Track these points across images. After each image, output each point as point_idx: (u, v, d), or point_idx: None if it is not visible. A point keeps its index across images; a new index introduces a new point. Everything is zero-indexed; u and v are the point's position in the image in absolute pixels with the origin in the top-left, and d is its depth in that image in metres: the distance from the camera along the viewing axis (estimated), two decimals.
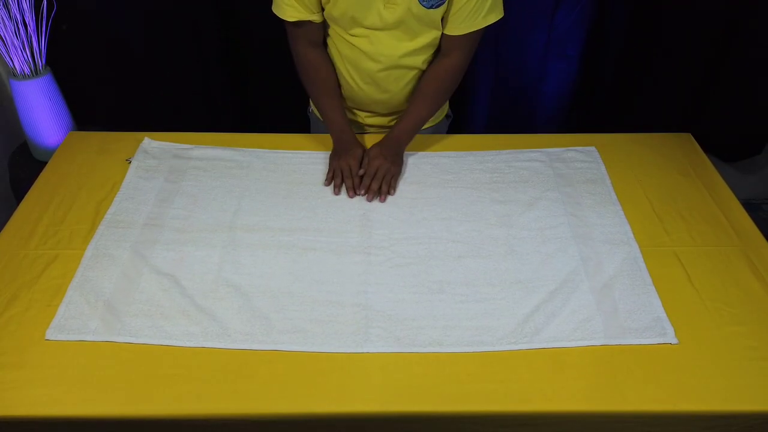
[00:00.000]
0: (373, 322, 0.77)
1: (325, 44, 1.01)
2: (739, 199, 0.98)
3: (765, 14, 1.18)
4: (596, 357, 0.74)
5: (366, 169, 0.98)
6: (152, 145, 1.08)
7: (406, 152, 1.07)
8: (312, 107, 1.18)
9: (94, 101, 1.35)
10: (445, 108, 1.15)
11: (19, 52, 1.14)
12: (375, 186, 0.96)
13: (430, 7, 0.91)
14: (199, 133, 1.11)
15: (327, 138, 1.11)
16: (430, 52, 1.00)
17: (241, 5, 1.25)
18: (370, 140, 1.08)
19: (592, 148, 1.09)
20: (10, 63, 1.16)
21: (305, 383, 0.71)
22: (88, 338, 0.75)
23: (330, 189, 0.99)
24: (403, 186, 1.00)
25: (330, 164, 0.99)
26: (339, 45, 1.00)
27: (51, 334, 0.75)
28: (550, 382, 0.71)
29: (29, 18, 1.12)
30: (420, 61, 0.99)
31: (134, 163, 1.03)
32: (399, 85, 1.02)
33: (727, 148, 1.42)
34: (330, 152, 1.02)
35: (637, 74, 1.32)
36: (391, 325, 0.77)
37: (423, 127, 1.08)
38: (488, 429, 0.70)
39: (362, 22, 0.94)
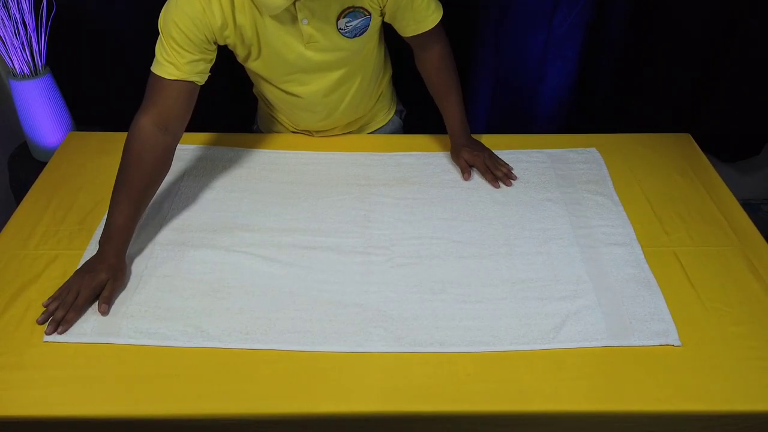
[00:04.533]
0: (373, 322, 0.76)
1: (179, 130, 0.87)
2: (738, 200, 0.98)
3: (764, 15, 1.18)
4: (596, 357, 0.74)
5: (470, 169, 0.99)
6: None
7: (406, 152, 1.07)
8: (258, 123, 1.16)
9: (94, 101, 1.34)
10: (394, 103, 1.13)
11: (19, 52, 1.14)
12: (499, 172, 0.98)
13: (353, 37, 0.89)
14: (199, 133, 1.10)
15: (325, 138, 1.09)
16: (369, 63, 0.99)
17: None
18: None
19: (593, 149, 1.08)
20: (10, 63, 1.15)
21: (305, 383, 0.70)
22: (86, 340, 0.74)
23: (331, 188, 0.98)
24: (404, 186, 1.00)
25: (70, 278, 0.78)
26: (268, 93, 0.99)
27: (49, 335, 0.74)
28: (551, 382, 0.70)
29: (29, 18, 1.12)
30: (358, 77, 0.98)
31: None
32: (341, 107, 1.00)
33: (726, 149, 1.42)
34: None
35: (636, 75, 1.32)
36: (391, 325, 0.77)
37: (375, 129, 1.11)
38: (488, 429, 0.70)
39: (288, 67, 0.90)
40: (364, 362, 0.72)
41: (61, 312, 0.75)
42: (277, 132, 1.12)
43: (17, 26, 1.11)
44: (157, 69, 0.84)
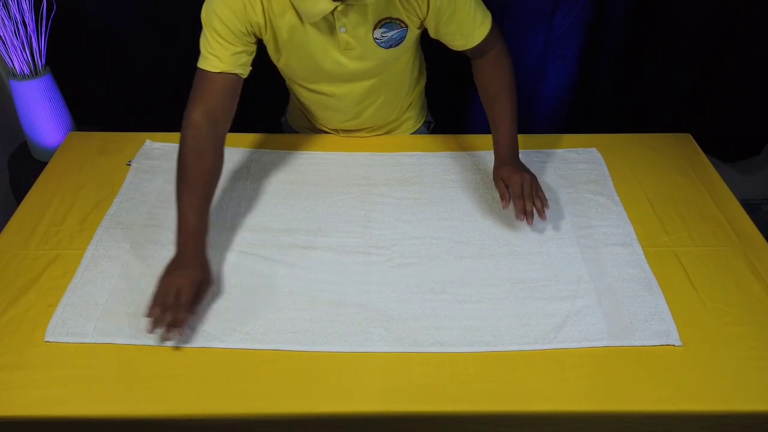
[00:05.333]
0: (374, 322, 0.76)
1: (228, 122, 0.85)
2: (738, 200, 0.98)
3: (764, 14, 1.18)
4: (596, 357, 0.73)
5: (509, 192, 0.86)
6: (153, 147, 1.07)
7: (407, 153, 1.06)
8: (287, 116, 1.16)
9: (94, 101, 1.35)
10: (424, 114, 1.13)
11: (19, 52, 1.14)
12: (530, 206, 0.84)
13: (389, 48, 0.89)
14: None
15: (328, 138, 1.09)
16: (406, 68, 0.98)
17: None
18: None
19: (594, 150, 1.08)
20: (10, 63, 1.15)
21: (306, 383, 0.70)
22: (87, 340, 0.74)
23: (331, 188, 0.98)
24: (405, 186, 1.00)
25: (159, 282, 0.74)
26: (297, 90, 0.98)
27: (50, 335, 0.75)
28: (551, 382, 0.70)
29: (29, 18, 1.12)
30: (391, 85, 0.97)
31: (134, 166, 1.03)
32: (370, 110, 0.99)
33: (726, 149, 1.42)
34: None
35: (636, 75, 1.32)
36: (392, 325, 0.77)
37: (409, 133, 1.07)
38: (488, 429, 0.70)
39: (321, 72, 0.90)
40: (365, 362, 0.72)
41: (171, 315, 0.71)
42: (304, 127, 1.12)
43: (17, 26, 1.11)
44: (202, 63, 0.84)
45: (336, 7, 0.81)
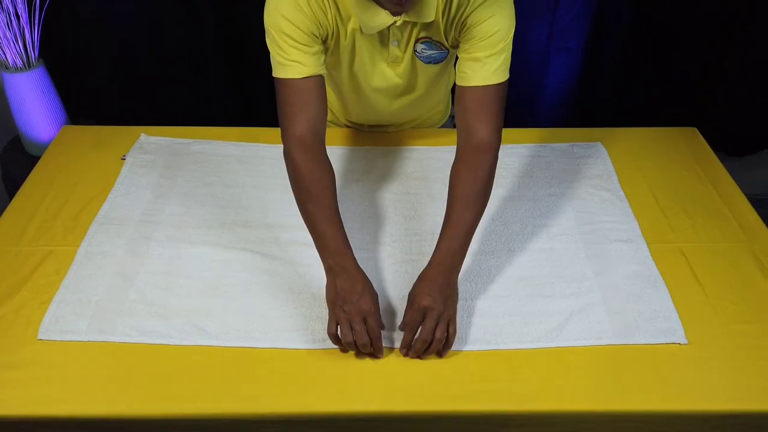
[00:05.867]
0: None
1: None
2: (745, 195, 0.97)
3: None
4: (601, 356, 0.73)
5: (406, 319, 0.71)
6: (149, 141, 1.06)
7: (405, 147, 1.04)
8: None
9: (89, 95, 1.33)
10: (449, 109, 1.12)
11: (12, 44, 1.12)
12: (421, 346, 0.70)
13: (428, 63, 0.87)
14: (197, 127, 1.09)
15: (340, 132, 1.07)
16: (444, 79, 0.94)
17: None
18: (361, 138, 1.05)
19: (598, 143, 1.07)
20: (2, 56, 1.14)
21: (304, 382, 0.70)
22: (81, 338, 0.73)
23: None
24: (406, 181, 0.98)
25: (331, 312, 0.71)
26: (329, 84, 0.94)
27: (43, 333, 0.74)
28: (554, 382, 0.70)
29: (21, 9, 1.10)
30: (427, 91, 0.94)
31: (129, 160, 1.02)
32: (400, 109, 0.97)
33: (733, 142, 1.41)
34: (326, 286, 0.74)
35: (641, 67, 1.31)
36: (392, 323, 0.76)
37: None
38: (491, 429, 0.70)
39: (368, 83, 0.88)
40: (365, 361, 0.72)
41: (367, 347, 0.69)
42: (328, 121, 1.09)
43: (10, 18, 1.09)
44: (283, 72, 0.78)
45: (395, 22, 0.79)
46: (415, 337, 0.71)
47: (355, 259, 0.74)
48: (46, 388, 0.68)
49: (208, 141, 1.06)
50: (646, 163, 1.03)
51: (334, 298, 0.71)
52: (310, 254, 0.83)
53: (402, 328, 0.72)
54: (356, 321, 0.69)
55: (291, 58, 0.77)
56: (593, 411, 0.68)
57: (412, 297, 0.73)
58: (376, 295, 0.73)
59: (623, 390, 0.69)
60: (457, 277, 0.75)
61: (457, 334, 0.72)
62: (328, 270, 0.73)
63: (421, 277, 0.74)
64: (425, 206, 0.94)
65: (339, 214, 0.76)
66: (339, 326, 0.70)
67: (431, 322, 0.70)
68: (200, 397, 0.68)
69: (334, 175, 0.79)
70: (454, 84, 0.83)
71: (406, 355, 0.71)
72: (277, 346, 0.73)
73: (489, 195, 0.79)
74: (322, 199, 0.76)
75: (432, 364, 0.72)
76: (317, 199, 0.76)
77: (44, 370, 0.70)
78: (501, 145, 1.03)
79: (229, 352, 0.72)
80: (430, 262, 0.75)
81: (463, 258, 0.75)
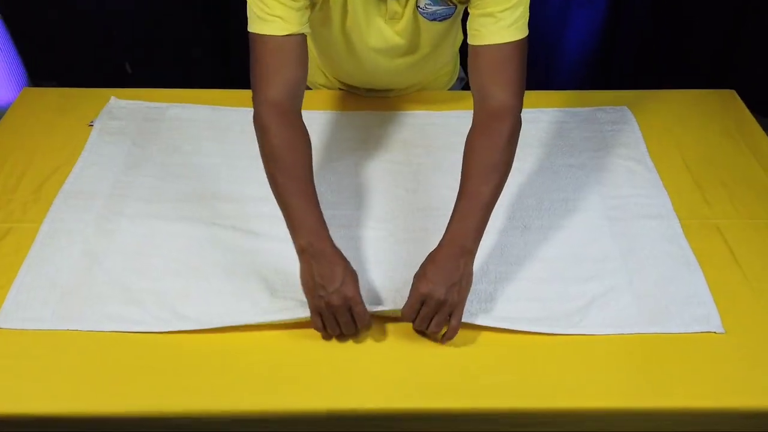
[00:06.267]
0: (372, 307, 0.72)
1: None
2: None
3: None
4: (626, 346, 0.69)
5: (404, 307, 0.68)
6: (119, 104, 1.02)
7: (407, 112, 1.00)
8: None
9: (52, 53, 1.27)
10: (457, 70, 1.08)
11: None
12: (417, 327, 0.68)
13: (432, 20, 0.81)
14: (173, 89, 1.05)
15: (320, 95, 1.03)
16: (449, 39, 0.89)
17: None
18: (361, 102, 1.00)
19: (624, 108, 1.03)
20: None
21: (294, 376, 0.67)
22: (45, 326, 0.70)
23: (321, 152, 0.92)
24: (407, 149, 0.95)
25: (311, 303, 0.68)
26: (320, 42, 0.89)
27: (2, 320, 0.70)
28: (574, 375, 0.67)
29: None
30: (430, 51, 0.88)
31: (98, 126, 0.98)
32: (401, 72, 0.92)
33: None
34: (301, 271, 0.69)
35: (672, 22, 1.24)
36: (391, 312, 0.72)
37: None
38: (503, 428, 0.67)
39: (364, 42, 0.83)
40: (362, 352, 0.69)
41: (355, 335, 0.68)
42: (320, 85, 1.06)
43: None
44: (261, 28, 0.72)
45: None
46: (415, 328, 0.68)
47: (331, 239, 0.70)
48: (6, 382, 0.65)
49: (185, 105, 1.02)
50: (678, 129, 0.99)
51: (312, 286, 0.67)
52: None
53: (409, 315, 0.68)
54: (341, 312, 0.66)
55: (272, 13, 0.72)
56: (618, 408, 0.65)
57: (413, 282, 0.69)
58: (357, 277, 0.69)
59: (651, 385, 0.66)
60: (471, 261, 0.69)
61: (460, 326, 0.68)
62: (301, 252, 0.68)
63: (427, 260, 0.69)
64: (429, 177, 0.90)
65: (314, 189, 0.72)
66: (322, 318, 0.67)
67: (427, 312, 0.66)
68: (174, 393, 0.65)
69: (310, 146, 0.74)
70: (463, 43, 0.79)
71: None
72: (265, 321, 0.69)
73: (510, 166, 0.73)
74: (294, 170, 0.71)
75: (437, 355, 0.68)
76: (289, 170, 0.71)
77: (3, 361, 0.67)
78: None
79: (208, 342, 0.69)
80: (440, 243, 0.69)
81: (479, 238, 0.70)
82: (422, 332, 0.69)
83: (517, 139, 0.73)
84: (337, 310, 0.66)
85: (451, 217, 0.70)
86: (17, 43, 1.15)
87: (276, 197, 0.71)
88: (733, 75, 1.16)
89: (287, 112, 0.73)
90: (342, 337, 0.69)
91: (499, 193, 0.71)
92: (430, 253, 0.69)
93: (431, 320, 0.67)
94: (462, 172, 0.73)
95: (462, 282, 0.67)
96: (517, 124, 0.73)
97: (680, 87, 1.07)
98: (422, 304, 0.67)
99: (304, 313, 0.69)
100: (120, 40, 1.24)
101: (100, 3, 1.19)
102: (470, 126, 0.75)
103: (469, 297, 0.72)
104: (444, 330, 0.68)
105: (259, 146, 0.73)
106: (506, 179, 0.72)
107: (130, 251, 0.78)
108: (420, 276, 0.68)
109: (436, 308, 0.66)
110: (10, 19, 1.13)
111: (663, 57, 1.27)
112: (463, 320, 0.68)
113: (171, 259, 0.77)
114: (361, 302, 0.67)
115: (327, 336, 0.69)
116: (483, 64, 0.74)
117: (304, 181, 0.71)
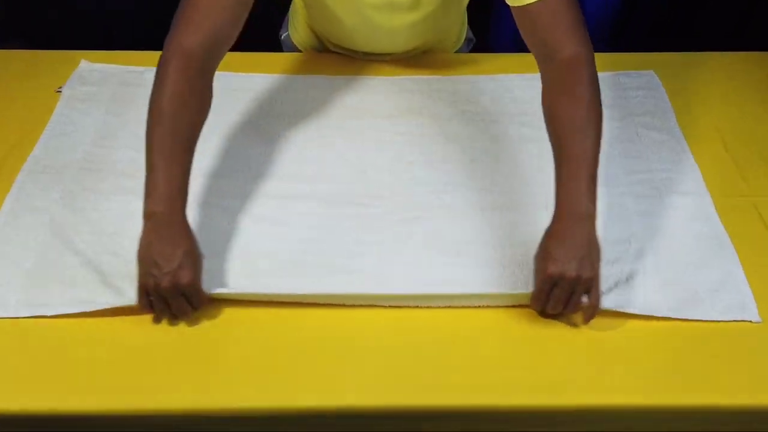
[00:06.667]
0: (368, 293, 0.70)
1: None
2: None
3: None
4: (652, 336, 0.67)
5: (534, 292, 0.65)
6: (91, 68, 1.00)
7: (410, 76, 0.98)
8: (288, 30, 1.07)
9: (16, 11, 1.23)
10: (464, 31, 1.06)
11: None
12: (551, 310, 0.66)
13: None
14: (151, 51, 0.99)
15: (310, 58, 1.01)
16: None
17: None
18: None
19: (651, 73, 1.01)
20: None
21: (283, 371, 0.64)
22: (8, 314, 0.68)
23: (316, 121, 0.91)
24: (411, 118, 0.92)
25: (141, 277, 0.65)
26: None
27: None
28: (591, 369, 0.64)
29: None
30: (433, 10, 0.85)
31: (66, 93, 0.95)
32: (402, 32, 0.89)
33: None
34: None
35: None
36: (393, 297, 0.70)
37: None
38: (511, 427, 0.65)
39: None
40: (358, 345, 0.67)
41: (187, 317, 0.66)
42: (314, 48, 1.04)
43: None
44: None
45: None
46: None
47: (185, 211, 0.67)
48: None
49: None
50: (710, 96, 0.97)
51: (147, 258, 0.64)
52: (289, 209, 0.79)
53: (539, 306, 0.66)
54: (171, 295, 0.64)
55: None
56: (641, 406, 0.62)
57: (537, 263, 0.66)
58: (201, 260, 0.66)
59: (679, 380, 0.64)
60: (594, 227, 0.65)
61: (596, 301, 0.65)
62: (147, 218, 0.65)
63: (547, 237, 0.66)
64: (435, 150, 0.88)
65: (190, 157, 0.69)
66: (149, 296, 0.64)
67: (561, 294, 0.64)
68: (154, 389, 0.62)
69: (206, 112, 0.71)
70: (471, 1, 0.76)
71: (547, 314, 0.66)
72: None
73: (602, 119, 0.70)
74: (175, 129, 0.67)
75: (442, 348, 0.66)
76: (169, 127, 0.67)
77: None
78: (527, 75, 0.97)
79: (191, 334, 0.67)
80: (554, 216, 0.66)
81: (595, 199, 0.66)
82: (550, 315, 0.66)
83: (599, 86, 0.71)
84: (167, 293, 0.63)
85: (557, 188, 0.67)
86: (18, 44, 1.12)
87: (145, 154, 0.67)
88: None
89: (198, 68, 0.69)
90: (174, 319, 0.66)
91: (600, 145, 0.68)
92: (548, 229, 0.66)
93: (565, 302, 0.64)
94: (552, 139, 0.70)
95: (592, 254, 0.64)
96: (594, 71, 0.71)
97: (713, 49, 1.04)
98: (553, 287, 0.64)
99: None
100: (120, 40, 1.22)
101: (100, 3, 1.16)
102: (541, 90, 0.73)
103: (478, 282, 0.70)
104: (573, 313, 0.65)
105: (151, 94, 0.69)
106: (602, 128, 0.69)
107: (104, 232, 0.76)
108: (543, 257, 0.65)
109: (570, 288, 0.63)
110: (10, 19, 1.10)
111: (695, 17, 1.23)
112: (476, 329, 0.66)
113: None
114: (198, 290, 0.65)
115: (157, 319, 0.67)
116: (538, 21, 0.71)
117: (181, 144, 0.67)
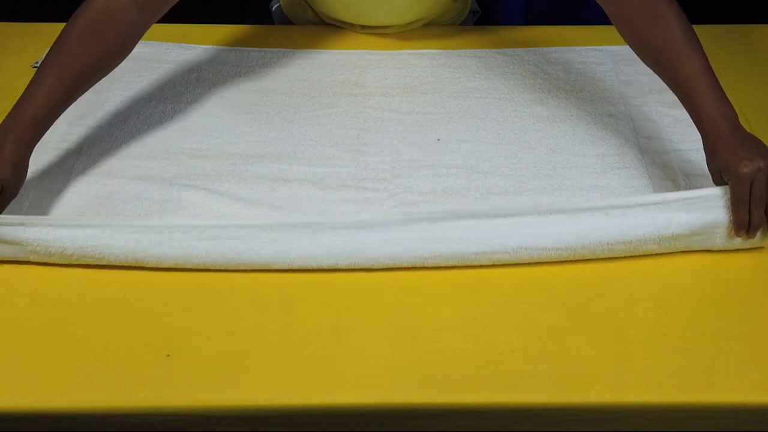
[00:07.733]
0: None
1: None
2: None
3: None
4: (678, 330, 0.64)
5: (733, 198, 0.64)
6: None
7: (411, 51, 0.96)
8: (279, 1, 1.06)
9: None
10: (469, 2, 1.04)
11: None
12: (757, 217, 0.64)
13: None
14: None
15: (306, 31, 1.00)
16: None
17: None
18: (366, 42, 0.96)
19: None
20: None
21: (276, 366, 0.62)
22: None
23: (312, 98, 0.89)
24: (412, 96, 0.90)
25: None
26: None
27: None
28: (617, 363, 0.61)
29: None
30: None
31: None
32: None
33: None
34: None
35: None
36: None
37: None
38: (529, 427, 0.62)
39: None
40: (358, 339, 0.64)
41: None
42: (307, 21, 1.03)
43: None
44: None
45: None
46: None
47: (33, 141, 0.68)
48: None
49: (148, 42, 0.95)
50: (733, 71, 0.93)
51: None
52: (283, 193, 0.77)
53: (732, 213, 0.65)
54: None
55: None
56: (662, 403, 0.59)
57: (725, 172, 0.65)
58: (12, 189, 0.67)
59: (704, 374, 0.60)
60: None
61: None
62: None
63: (714, 150, 0.66)
64: (438, 130, 0.85)
65: (73, 90, 0.70)
66: None
67: (762, 190, 0.63)
68: (128, 385, 0.59)
69: (117, 52, 0.73)
70: None
71: (743, 235, 0.66)
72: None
73: (697, 38, 0.70)
74: (67, 58, 0.69)
75: (455, 338, 0.63)
76: (63, 53, 0.69)
77: None
78: (537, 48, 0.94)
79: (173, 325, 0.64)
80: (705, 131, 0.67)
81: (731, 106, 0.68)
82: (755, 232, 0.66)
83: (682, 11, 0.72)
84: None
85: (690, 112, 0.69)
86: None
87: (35, 76, 0.69)
88: None
89: (119, 11, 0.70)
90: None
91: (707, 58, 0.70)
92: (709, 144, 0.67)
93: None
94: (658, 69, 0.73)
95: (761, 144, 0.65)
96: (678, 4, 0.71)
97: (734, 21, 1.01)
98: (750, 187, 0.63)
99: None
100: None
101: None
102: (621, 29, 0.76)
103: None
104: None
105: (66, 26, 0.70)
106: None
107: (81, 215, 0.73)
108: (727, 165, 0.64)
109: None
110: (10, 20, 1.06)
111: None
112: (486, 321, 0.63)
113: None
114: None
115: None
116: None
117: (63, 80, 0.68)
